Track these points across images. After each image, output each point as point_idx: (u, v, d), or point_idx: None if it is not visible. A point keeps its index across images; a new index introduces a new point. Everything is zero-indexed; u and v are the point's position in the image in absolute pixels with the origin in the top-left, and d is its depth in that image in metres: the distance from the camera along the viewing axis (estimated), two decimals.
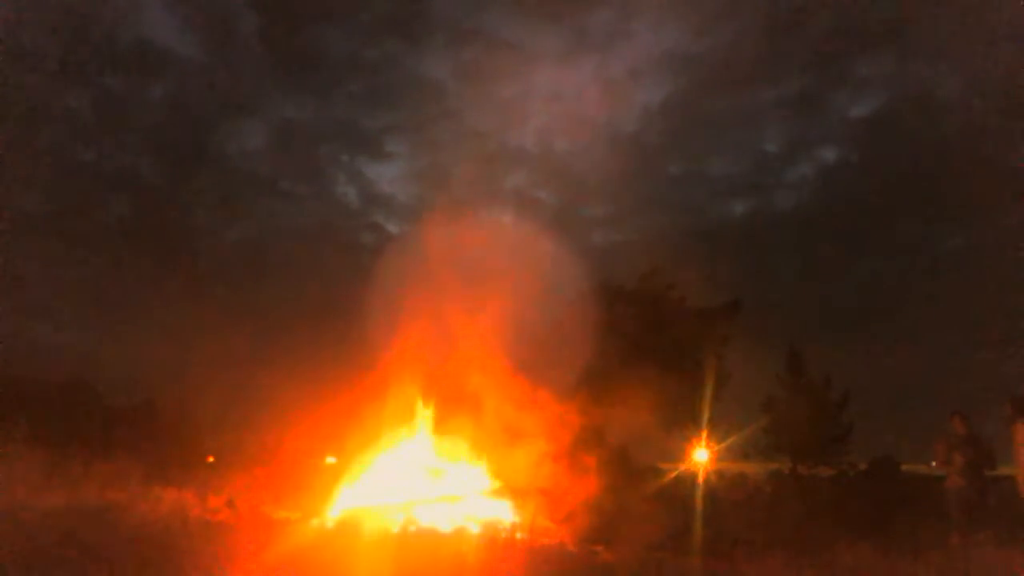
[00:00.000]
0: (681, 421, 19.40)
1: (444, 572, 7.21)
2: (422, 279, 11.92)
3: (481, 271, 12.15)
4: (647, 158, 51.73)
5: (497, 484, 11.00)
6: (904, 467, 17.82)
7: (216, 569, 6.57)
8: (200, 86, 51.06)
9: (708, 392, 18.85)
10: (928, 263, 45.30)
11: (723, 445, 18.22)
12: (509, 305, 11.78)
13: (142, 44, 46.34)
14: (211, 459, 18.70)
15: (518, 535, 9.07)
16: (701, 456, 16.37)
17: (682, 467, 15.98)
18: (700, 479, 14.33)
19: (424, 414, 11.61)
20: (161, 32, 59.94)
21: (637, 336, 18.18)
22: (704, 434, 17.39)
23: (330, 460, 13.14)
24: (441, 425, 11.58)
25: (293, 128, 53.32)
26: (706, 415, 18.53)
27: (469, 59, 52.26)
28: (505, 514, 10.14)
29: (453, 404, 11.60)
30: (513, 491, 10.66)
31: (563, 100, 56.80)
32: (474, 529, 9.29)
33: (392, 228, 40.91)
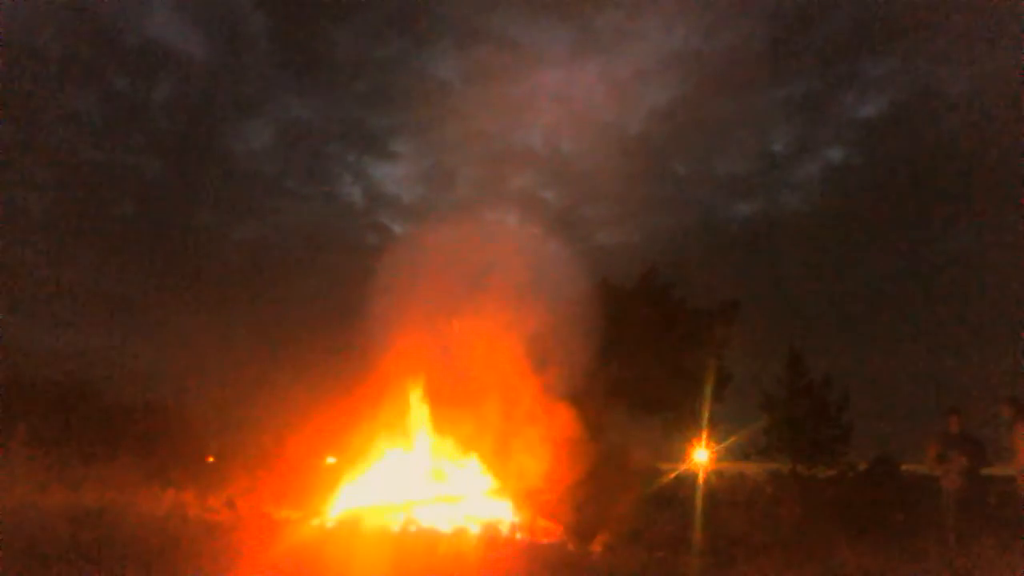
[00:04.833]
0: (681, 421, 19.41)
1: (444, 572, 7.23)
2: (426, 280, 11.91)
3: (485, 272, 12.14)
4: (653, 158, 51.79)
5: (497, 484, 11.00)
6: (904, 467, 17.79)
7: (216, 569, 6.58)
8: (207, 86, 51.14)
9: (708, 392, 18.85)
10: (931, 263, 45.30)
11: (723, 445, 18.21)
12: (513, 306, 11.78)
13: (149, 44, 46.54)
14: (211, 459, 18.71)
15: (518, 535, 9.09)
16: (701, 456, 16.37)
17: (682, 467, 15.97)
18: (700, 479, 14.32)
19: (425, 414, 11.61)
20: (168, 32, 59.93)
21: (637, 336, 18.17)
22: (704, 434, 17.40)
23: (330, 460, 13.13)
24: (442, 425, 11.58)
25: (299, 128, 53.43)
26: (706, 415, 18.53)
27: (476, 59, 52.19)
28: (505, 514, 10.15)
29: (454, 404, 11.59)
30: (513, 491, 10.67)
31: (570, 101, 56.83)
32: (474, 529, 9.30)
33: (397, 228, 40.79)
